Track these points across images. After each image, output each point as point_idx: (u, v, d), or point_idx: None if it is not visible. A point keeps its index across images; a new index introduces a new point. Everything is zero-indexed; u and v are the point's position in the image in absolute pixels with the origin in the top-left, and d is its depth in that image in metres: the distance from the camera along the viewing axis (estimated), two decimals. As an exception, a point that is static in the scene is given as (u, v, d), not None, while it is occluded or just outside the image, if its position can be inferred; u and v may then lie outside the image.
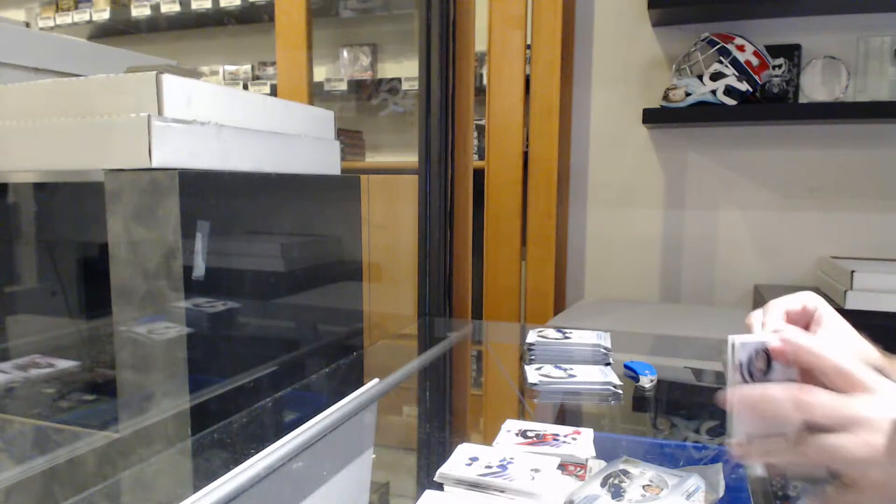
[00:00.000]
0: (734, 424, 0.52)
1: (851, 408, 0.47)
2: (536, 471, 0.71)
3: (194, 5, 2.70)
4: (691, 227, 2.02)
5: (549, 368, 1.08)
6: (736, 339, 0.53)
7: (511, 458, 0.74)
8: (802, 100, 1.84)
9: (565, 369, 1.07)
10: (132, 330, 0.84)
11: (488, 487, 0.69)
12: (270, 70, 2.79)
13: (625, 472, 0.70)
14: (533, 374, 1.05)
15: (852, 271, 1.49)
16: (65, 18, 2.96)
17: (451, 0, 1.64)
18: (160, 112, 0.82)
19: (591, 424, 0.87)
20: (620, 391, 1.02)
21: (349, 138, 2.65)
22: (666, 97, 1.80)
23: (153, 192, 0.81)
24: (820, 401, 0.48)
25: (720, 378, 1.13)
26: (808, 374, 0.52)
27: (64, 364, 1.01)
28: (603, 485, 0.67)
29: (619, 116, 2.05)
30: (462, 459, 0.75)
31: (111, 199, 0.83)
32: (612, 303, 1.95)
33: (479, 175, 1.87)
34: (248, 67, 2.83)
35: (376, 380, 0.74)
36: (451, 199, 1.70)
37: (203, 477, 0.75)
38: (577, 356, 1.11)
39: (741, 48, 1.73)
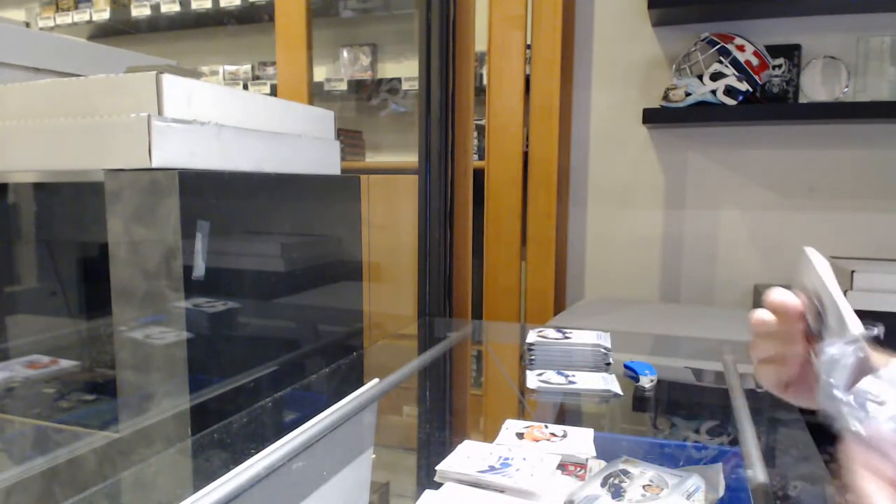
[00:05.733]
0: None
1: None
2: (536, 470, 0.71)
3: (194, 5, 2.70)
4: (691, 226, 2.02)
5: (550, 374, 1.08)
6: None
7: (511, 458, 0.74)
8: (802, 100, 1.84)
9: (566, 375, 1.07)
10: (132, 330, 0.84)
11: (488, 486, 0.69)
12: (270, 70, 2.78)
13: (625, 472, 0.70)
14: (534, 380, 1.05)
15: (852, 271, 1.49)
16: (65, 18, 2.96)
17: (451, 0, 1.64)
18: (160, 112, 0.82)
19: (591, 424, 0.87)
20: (621, 392, 1.02)
21: (349, 138, 2.65)
22: (666, 97, 1.80)
23: (153, 192, 0.81)
24: None
25: (720, 378, 1.13)
26: None
27: (64, 364, 1.01)
28: (603, 485, 0.67)
29: (619, 116, 2.05)
30: (462, 458, 0.75)
31: (111, 199, 0.83)
32: (612, 303, 1.95)
33: (479, 175, 1.87)
34: (248, 67, 2.82)
35: (376, 380, 0.74)
36: (451, 199, 1.70)
37: (203, 477, 0.75)
38: (578, 356, 1.11)
39: (741, 48, 1.73)
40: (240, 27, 2.84)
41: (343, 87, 2.60)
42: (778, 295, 0.55)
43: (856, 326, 0.49)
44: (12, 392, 0.97)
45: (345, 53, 2.70)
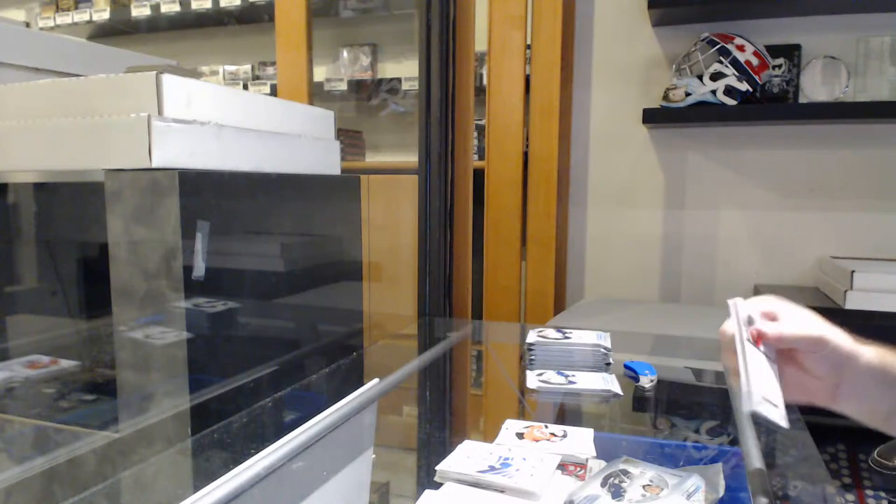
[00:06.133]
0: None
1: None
2: (536, 470, 0.71)
3: (194, 5, 2.69)
4: (691, 226, 2.02)
5: (550, 374, 1.08)
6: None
7: (511, 458, 0.74)
8: (802, 100, 1.84)
9: (566, 375, 1.07)
10: (132, 330, 0.84)
11: (488, 486, 0.69)
12: (270, 70, 2.78)
13: (625, 472, 0.70)
14: (534, 380, 1.05)
15: (852, 271, 1.49)
16: (65, 18, 2.96)
17: (451, 0, 1.64)
18: (160, 112, 0.82)
19: (591, 424, 0.87)
20: (621, 392, 1.02)
21: (349, 138, 2.65)
22: (666, 97, 1.80)
23: (153, 192, 0.81)
24: None
25: (720, 378, 1.13)
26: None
27: (64, 364, 1.01)
28: (603, 485, 0.67)
29: (619, 116, 2.05)
30: (462, 458, 0.75)
31: (111, 199, 0.83)
32: (612, 303, 1.95)
33: (479, 175, 1.87)
34: (248, 67, 2.82)
35: (376, 380, 0.74)
36: (451, 199, 1.70)
37: (203, 477, 0.75)
38: (578, 357, 1.11)
39: (741, 48, 1.73)
40: (240, 27, 2.84)
41: (343, 87, 2.60)
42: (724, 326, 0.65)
43: (747, 400, 0.59)
44: (12, 392, 0.97)
45: (345, 53, 2.70)
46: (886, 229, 1.84)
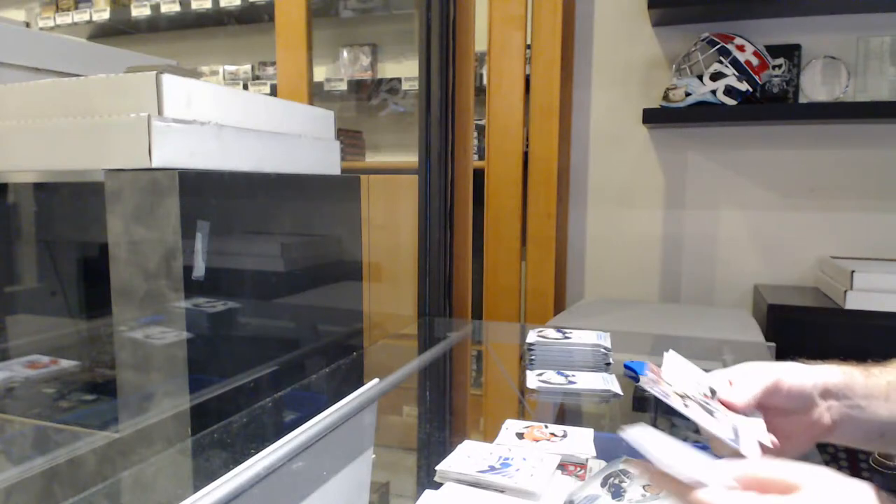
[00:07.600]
0: None
1: None
2: (536, 470, 0.71)
3: (194, 5, 2.69)
4: (691, 227, 2.02)
5: (550, 374, 1.08)
6: None
7: (511, 458, 0.74)
8: (802, 100, 1.84)
9: (566, 375, 1.07)
10: (132, 330, 0.84)
11: (488, 486, 0.69)
12: (270, 70, 2.78)
13: (625, 472, 0.70)
14: (534, 380, 1.05)
15: (852, 271, 1.49)
16: (65, 18, 2.96)
17: (451, 0, 1.64)
18: (160, 112, 0.82)
19: (591, 424, 0.87)
20: (621, 392, 1.02)
21: (349, 138, 2.65)
22: (666, 97, 1.80)
23: (153, 192, 0.81)
24: None
25: (720, 378, 1.13)
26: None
27: (64, 364, 1.01)
28: (603, 485, 0.67)
29: (619, 116, 2.05)
30: (462, 458, 0.75)
31: (111, 199, 0.83)
32: (612, 303, 1.95)
33: (479, 175, 1.87)
34: (248, 67, 2.82)
35: (376, 380, 0.74)
36: (451, 199, 1.70)
37: (203, 477, 0.75)
38: (578, 357, 1.11)
39: (741, 48, 1.73)
40: (240, 27, 2.84)
41: (343, 87, 2.60)
42: None
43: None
44: (12, 392, 0.97)
45: (345, 53, 2.70)
46: (886, 229, 1.84)
